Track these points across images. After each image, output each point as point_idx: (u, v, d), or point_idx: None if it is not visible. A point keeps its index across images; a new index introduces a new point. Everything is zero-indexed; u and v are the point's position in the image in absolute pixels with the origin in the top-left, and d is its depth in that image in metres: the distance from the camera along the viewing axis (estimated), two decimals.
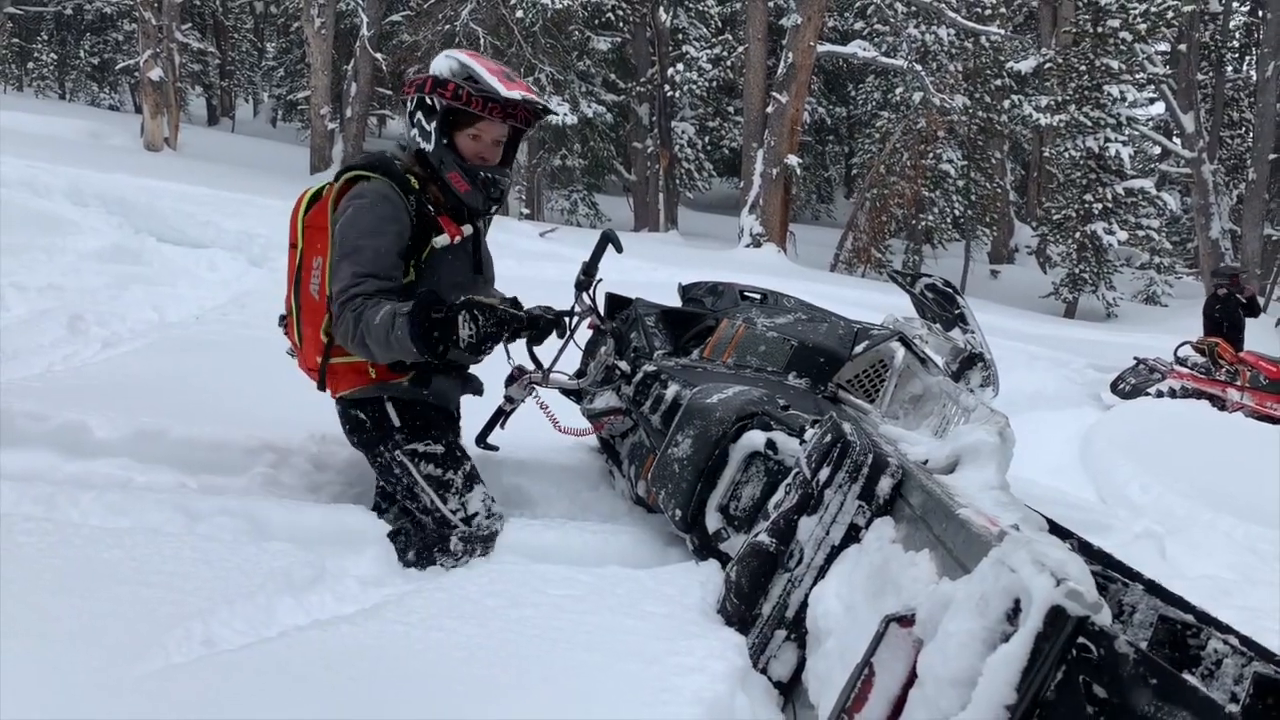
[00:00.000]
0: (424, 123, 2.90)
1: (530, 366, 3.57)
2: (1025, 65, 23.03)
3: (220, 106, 34.03)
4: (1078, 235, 21.35)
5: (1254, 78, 25.09)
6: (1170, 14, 21.15)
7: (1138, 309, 22.72)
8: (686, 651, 1.91)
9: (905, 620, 1.53)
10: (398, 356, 2.71)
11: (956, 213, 23.09)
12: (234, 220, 10.10)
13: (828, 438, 2.18)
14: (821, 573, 2.07)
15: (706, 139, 26.91)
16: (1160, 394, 10.09)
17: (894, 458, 2.14)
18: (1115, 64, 20.80)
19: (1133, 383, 10.28)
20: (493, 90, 2.83)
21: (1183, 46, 23.58)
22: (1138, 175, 22.44)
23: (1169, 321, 18.49)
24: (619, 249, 3.58)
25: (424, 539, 2.98)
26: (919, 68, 20.10)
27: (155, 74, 19.57)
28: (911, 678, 1.49)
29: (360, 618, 1.95)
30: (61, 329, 5.67)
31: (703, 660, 1.86)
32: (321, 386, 3.00)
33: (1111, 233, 21.06)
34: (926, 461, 2.22)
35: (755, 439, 2.61)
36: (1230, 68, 29.82)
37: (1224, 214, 22.89)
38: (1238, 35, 28.76)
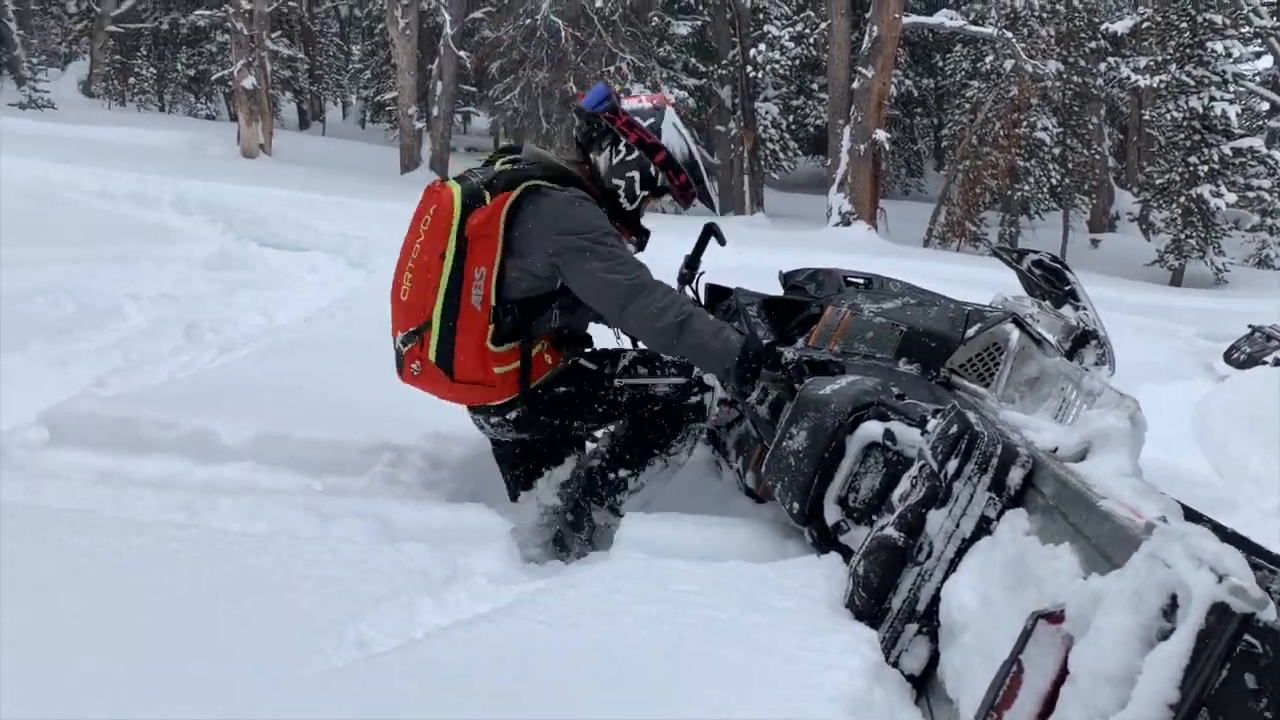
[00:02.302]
0: (636, 186, 3.06)
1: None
2: (1121, 26, 22.18)
3: (310, 111, 34.83)
4: (1182, 199, 20.52)
5: None
6: None
7: (1249, 274, 21.76)
8: (820, 647, 1.90)
9: (1054, 617, 1.51)
10: (701, 359, 2.92)
11: (1053, 181, 22.40)
12: (330, 222, 10.35)
13: (953, 428, 2.15)
14: (952, 566, 2.05)
15: (791, 118, 26.54)
16: (1278, 362, 9.68)
17: (1024, 447, 2.10)
18: (1219, 19, 19.90)
19: (1248, 351, 9.85)
20: (707, 195, 3.16)
21: None
22: (1246, 134, 21.47)
23: None
24: (721, 242, 3.58)
25: (576, 513, 3.09)
26: (1008, 34, 19.53)
27: (249, 82, 20.14)
28: (1062, 674, 1.46)
29: (498, 616, 1.99)
30: (179, 337, 5.91)
31: (839, 656, 1.85)
32: (525, 388, 2.99)
33: (1219, 195, 20.18)
34: (1056, 449, 2.17)
35: (873, 429, 2.57)
36: None
37: None
38: None
